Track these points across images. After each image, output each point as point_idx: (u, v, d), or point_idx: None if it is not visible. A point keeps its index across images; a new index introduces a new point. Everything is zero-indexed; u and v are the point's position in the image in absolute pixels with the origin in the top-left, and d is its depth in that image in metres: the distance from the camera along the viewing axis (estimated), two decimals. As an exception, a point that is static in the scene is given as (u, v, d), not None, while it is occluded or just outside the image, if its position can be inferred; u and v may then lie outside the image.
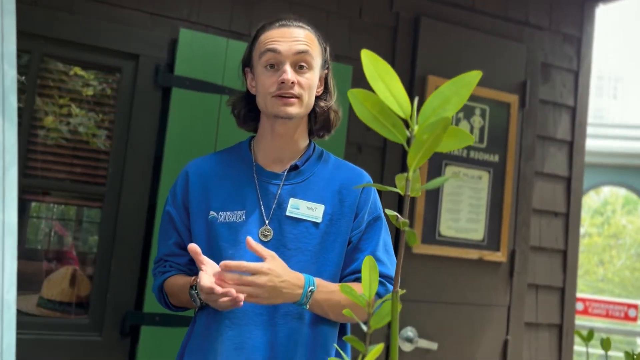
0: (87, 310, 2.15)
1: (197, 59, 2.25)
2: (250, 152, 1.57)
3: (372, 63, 0.98)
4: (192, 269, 1.53)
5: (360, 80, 2.55)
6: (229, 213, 1.49)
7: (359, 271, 1.52)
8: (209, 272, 1.35)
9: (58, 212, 2.24)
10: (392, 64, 2.63)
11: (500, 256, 2.75)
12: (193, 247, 1.37)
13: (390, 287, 1.55)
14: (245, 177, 1.53)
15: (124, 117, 2.22)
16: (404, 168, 2.61)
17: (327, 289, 1.43)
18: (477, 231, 2.73)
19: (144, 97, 2.22)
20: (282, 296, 1.37)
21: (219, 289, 1.31)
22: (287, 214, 1.49)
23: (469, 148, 2.73)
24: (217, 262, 1.40)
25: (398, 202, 2.55)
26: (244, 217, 1.49)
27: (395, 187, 0.97)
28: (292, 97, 1.46)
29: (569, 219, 2.93)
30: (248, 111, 1.59)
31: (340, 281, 1.53)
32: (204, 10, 2.34)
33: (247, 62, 1.56)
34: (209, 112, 2.25)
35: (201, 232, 1.49)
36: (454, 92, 0.95)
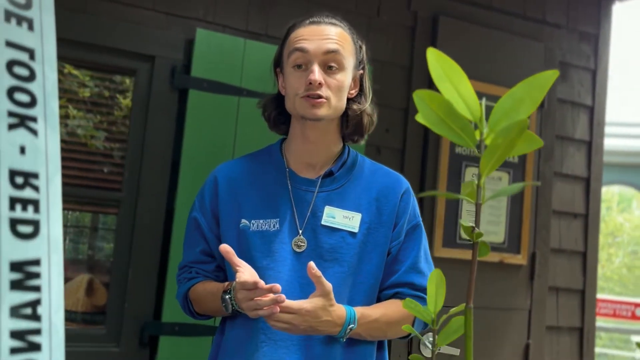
0: (104, 320, 2.08)
1: (214, 59, 2.18)
2: (282, 157, 1.49)
3: (438, 62, 0.92)
4: (219, 276, 1.47)
5: (381, 80, 2.49)
6: (261, 222, 1.41)
7: (399, 284, 1.45)
8: (247, 273, 1.28)
9: (73, 219, 2.17)
10: (410, 63, 2.57)
11: (520, 259, 2.70)
12: (225, 247, 1.30)
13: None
14: (278, 184, 1.45)
15: (140, 120, 2.15)
16: (423, 170, 2.56)
17: (367, 320, 1.36)
18: (498, 234, 2.68)
19: (160, 99, 2.16)
20: (317, 332, 1.31)
21: (263, 284, 1.24)
22: (323, 223, 1.41)
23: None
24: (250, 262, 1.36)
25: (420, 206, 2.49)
26: (277, 225, 1.41)
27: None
28: (319, 98, 1.38)
29: (588, 220, 2.89)
30: (278, 114, 1.50)
31: (378, 294, 1.46)
32: (220, 10, 2.28)
33: (278, 63, 1.48)
34: (227, 114, 2.19)
35: (232, 241, 1.40)
36: (526, 93, 0.89)
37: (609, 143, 5.09)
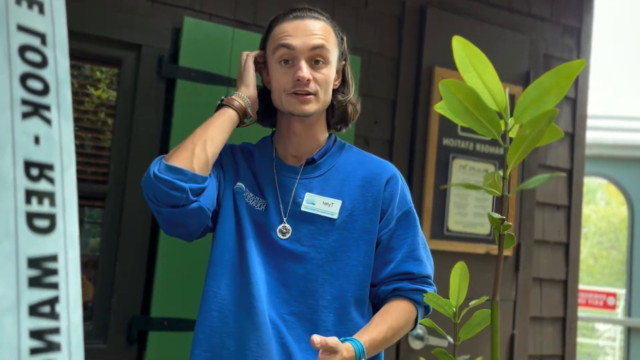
0: (90, 316, 2.03)
1: (202, 49, 2.13)
2: (272, 147, 1.52)
3: (463, 50, 0.91)
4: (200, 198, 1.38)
5: (368, 71, 2.47)
6: (251, 195, 1.45)
7: (397, 276, 1.44)
8: None
9: (57, 212, 2.10)
10: (399, 54, 2.56)
11: (506, 250, 2.72)
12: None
13: (434, 288, 1.48)
14: (266, 171, 1.48)
15: (126, 111, 2.09)
16: (411, 161, 2.55)
17: (376, 343, 1.37)
18: (484, 225, 2.69)
19: (146, 89, 2.10)
20: None
21: None
22: (302, 209, 1.42)
23: (474, 141, 2.68)
24: (240, 228, 1.39)
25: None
26: (264, 207, 1.44)
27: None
28: (308, 95, 1.40)
29: (570, 211, 2.92)
30: (265, 107, 1.51)
31: (375, 286, 1.45)
32: (207, -2, 2.22)
33: (263, 58, 1.50)
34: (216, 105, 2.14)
35: (228, 199, 1.44)
36: (554, 83, 0.88)
37: (587, 135, 5.19)
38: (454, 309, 0.89)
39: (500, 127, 0.87)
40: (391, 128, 2.53)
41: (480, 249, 2.66)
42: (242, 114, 1.45)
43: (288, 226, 1.42)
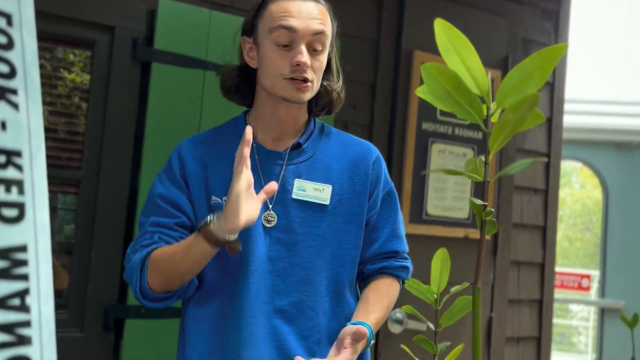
0: (65, 304, 1.99)
1: (177, 31, 2.09)
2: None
3: (445, 33, 0.89)
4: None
5: (347, 55, 2.44)
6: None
7: (383, 255, 1.45)
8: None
9: (29, 199, 2.05)
10: (378, 37, 2.54)
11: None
12: (248, 130, 1.25)
13: (410, 262, 1.52)
14: (252, 160, 1.38)
15: (100, 95, 2.04)
16: (390, 146, 2.54)
17: (378, 323, 1.39)
18: (463, 210, 2.70)
19: (121, 72, 2.05)
20: None
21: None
22: (294, 196, 1.38)
23: (453, 125, 2.68)
24: (223, 252, 1.29)
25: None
26: None
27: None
28: (306, 82, 1.33)
29: (548, 195, 2.95)
30: (240, 84, 1.44)
31: (361, 264, 1.45)
32: (183, -21, 2.17)
33: (249, 31, 1.39)
34: (192, 89, 2.10)
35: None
36: (536, 67, 0.87)
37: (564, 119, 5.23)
38: (436, 296, 0.88)
39: (482, 111, 0.85)
40: (370, 112, 2.52)
41: (459, 232, 2.67)
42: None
43: (273, 213, 1.37)
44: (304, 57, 1.31)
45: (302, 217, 1.38)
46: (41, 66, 2.02)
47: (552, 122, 2.96)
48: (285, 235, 1.36)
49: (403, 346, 0.95)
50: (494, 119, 0.88)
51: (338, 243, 1.40)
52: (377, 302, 1.39)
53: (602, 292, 5.52)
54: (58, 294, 2.01)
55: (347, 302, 1.40)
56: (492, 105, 0.86)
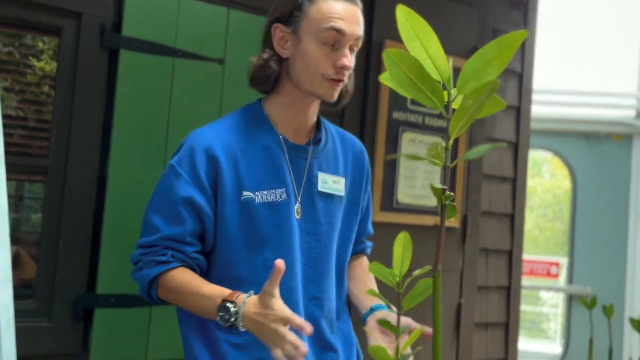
0: (33, 294, 1.97)
1: (146, 18, 2.07)
2: (269, 122, 1.44)
3: (408, 20, 0.90)
4: (198, 258, 1.37)
5: (317, 44, 2.44)
6: (266, 192, 1.36)
7: (363, 236, 1.64)
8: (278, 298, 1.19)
9: (-5, 187, 2.02)
10: (349, 27, 2.54)
11: (453, 222, 2.77)
12: (280, 264, 1.17)
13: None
14: (274, 151, 1.41)
15: (67, 83, 2.01)
16: (361, 134, 2.56)
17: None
18: (432, 197, 2.73)
19: (88, 60, 2.02)
20: None
21: (308, 327, 1.15)
22: (320, 189, 1.45)
23: (424, 114, 2.70)
24: (256, 246, 1.33)
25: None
26: (285, 195, 1.39)
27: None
28: (341, 82, 1.39)
29: (516, 183, 2.99)
30: (276, 73, 1.42)
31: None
32: (151, -35, 2.14)
33: (287, 21, 1.38)
34: (162, 77, 2.09)
35: (234, 216, 1.35)
36: (496, 53, 0.89)
37: (534, 109, 5.30)
38: (398, 279, 0.89)
39: (443, 97, 0.87)
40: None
41: (428, 220, 2.70)
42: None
43: (300, 206, 1.41)
44: (350, 60, 1.36)
45: (324, 209, 1.45)
46: (10, 54, 1.99)
47: (520, 112, 3.00)
48: (312, 227, 1.43)
49: (365, 328, 0.96)
50: (455, 105, 0.89)
51: (344, 230, 1.51)
52: (372, 283, 1.58)
53: (570, 279, 5.63)
54: (26, 284, 1.99)
55: (344, 283, 1.53)
56: (453, 92, 0.88)
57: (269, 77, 1.41)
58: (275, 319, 1.16)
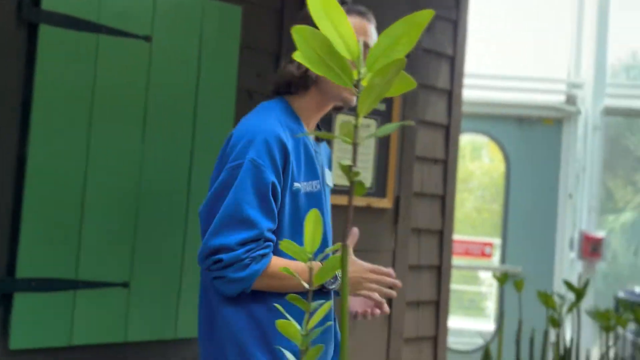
0: (-53, 279, 1.88)
1: (67, -8, 1.99)
2: (301, 120, 1.60)
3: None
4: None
5: (250, 22, 2.41)
6: (306, 183, 1.52)
7: None
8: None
9: None
10: (282, 5, 2.52)
11: (386, 203, 2.81)
12: (356, 230, 1.66)
13: None
14: (309, 147, 1.58)
15: (-18, 57, 1.92)
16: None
17: None
18: (366, 179, 2.76)
19: (4, 34, 1.93)
20: None
21: (392, 272, 1.58)
22: (327, 182, 1.63)
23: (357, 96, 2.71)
24: (300, 234, 1.44)
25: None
26: (319, 186, 1.56)
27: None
28: None
29: (447, 165, 3.06)
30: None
31: None
32: (73, -63, 2.06)
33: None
34: (84, 54, 2.02)
35: (287, 204, 1.49)
36: (404, 32, 0.90)
37: (469, 94, 5.41)
38: (310, 255, 0.90)
39: (353, 75, 0.87)
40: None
41: (361, 201, 2.73)
42: None
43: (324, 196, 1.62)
44: None
45: (327, 200, 1.65)
46: None
47: (452, 95, 3.06)
48: (325, 216, 1.61)
49: (277, 305, 0.97)
50: (365, 83, 0.90)
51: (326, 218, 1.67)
52: None
53: (503, 259, 5.81)
54: (-61, 269, 1.90)
55: None
56: (363, 71, 0.88)
57: (307, 86, 1.58)
58: (365, 270, 1.53)
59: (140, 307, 2.07)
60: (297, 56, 0.93)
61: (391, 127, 0.88)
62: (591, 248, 5.25)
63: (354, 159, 0.89)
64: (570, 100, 5.64)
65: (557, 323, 2.72)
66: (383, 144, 2.79)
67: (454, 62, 3.06)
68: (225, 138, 1.58)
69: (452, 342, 4.94)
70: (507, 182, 5.86)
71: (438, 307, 3.01)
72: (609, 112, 5.72)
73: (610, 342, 3.29)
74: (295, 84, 1.57)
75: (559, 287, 5.66)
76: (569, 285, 2.87)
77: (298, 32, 0.84)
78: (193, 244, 2.15)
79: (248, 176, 1.41)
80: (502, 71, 5.84)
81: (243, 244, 1.38)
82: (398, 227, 2.86)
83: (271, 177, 1.42)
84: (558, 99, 5.70)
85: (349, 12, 1.55)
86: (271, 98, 1.64)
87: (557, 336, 3.26)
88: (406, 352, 2.85)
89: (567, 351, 3.02)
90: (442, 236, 3.04)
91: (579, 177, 5.61)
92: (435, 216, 3.03)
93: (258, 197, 1.41)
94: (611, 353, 3.33)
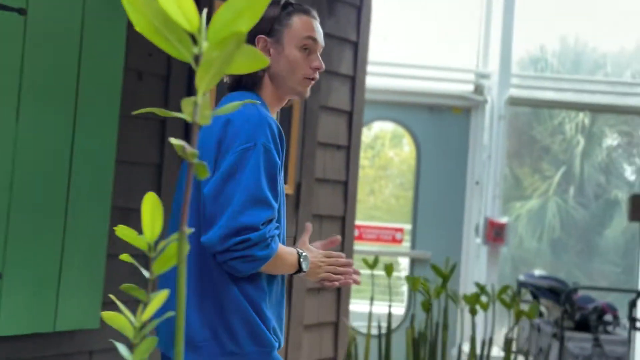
0: None
1: None
2: (269, 111, 1.60)
3: (153, -33, 0.83)
4: None
5: None
6: (282, 184, 1.56)
7: None
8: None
9: None
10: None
11: (287, 189, 2.78)
12: (309, 225, 1.80)
13: None
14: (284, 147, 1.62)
15: None
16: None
17: None
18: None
19: None
20: None
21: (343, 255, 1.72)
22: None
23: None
24: (283, 217, 1.57)
25: (185, 131, 2.42)
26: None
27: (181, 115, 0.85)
28: (314, 80, 1.61)
29: (350, 151, 3.06)
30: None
31: None
32: None
33: (269, 33, 1.59)
34: (10, 36, 1.89)
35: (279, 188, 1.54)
36: (247, 5, 0.84)
37: (381, 82, 5.45)
38: (150, 242, 0.84)
39: (192, 49, 0.82)
40: (167, 62, 2.41)
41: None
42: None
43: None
44: (323, 64, 1.61)
45: None
46: None
47: (355, 81, 3.05)
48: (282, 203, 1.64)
49: (111, 296, 0.91)
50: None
51: None
52: None
53: (413, 245, 5.94)
54: None
55: None
56: (205, 44, 0.83)
57: (256, 83, 1.60)
58: (321, 256, 1.66)
59: (14, 299, 1.95)
60: (137, 26, 0.86)
61: (234, 106, 0.83)
62: (495, 233, 5.43)
63: (191, 140, 0.84)
64: (478, 90, 5.80)
65: (427, 307, 2.83)
66: (284, 129, 2.75)
67: (358, 48, 3.06)
68: (218, 123, 1.50)
69: (367, 326, 5.01)
70: (417, 169, 5.98)
71: (339, 292, 3.02)
72: (514, 102, 5.92)
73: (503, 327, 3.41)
74: (244, 82, 1.61)
75: (465, 273, 5.84)
76: (435, 269, 2.94)
77: (129, 1, 0.77)
78: (75, 231, 2.04)
79: (261, 159, 1.46)
80: (414, 60, 5.93)
81: (265, 223, 1.44)
82: (299, 213, 2.84)
83: (278, 161, 1.50)
84: (467, 88, 5.85)
85: (295, 11, 1.59)
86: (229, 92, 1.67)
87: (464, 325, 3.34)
88: (307, 338, 2.84)
89: (430, 339, 2.94)
90: (344, 222, 3.04)
91: (485, 165, 5.79)
92: (337, 202, 3.02)
93: (269, 179, 1.47)
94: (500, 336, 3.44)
